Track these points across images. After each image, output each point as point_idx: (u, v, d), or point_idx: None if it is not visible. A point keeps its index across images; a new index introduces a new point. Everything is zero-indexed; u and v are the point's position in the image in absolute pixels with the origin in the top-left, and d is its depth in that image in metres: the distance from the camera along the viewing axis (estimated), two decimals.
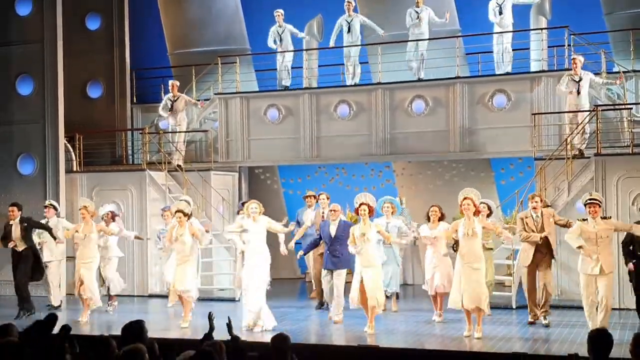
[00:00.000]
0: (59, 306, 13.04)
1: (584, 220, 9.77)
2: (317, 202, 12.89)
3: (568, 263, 11.94)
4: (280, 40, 15.89)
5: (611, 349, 5.42)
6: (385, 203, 12.16)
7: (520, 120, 14.10)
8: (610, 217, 10.44)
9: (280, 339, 6.26)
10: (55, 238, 12.73)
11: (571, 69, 13.43)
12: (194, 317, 11.20)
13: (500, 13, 14.56)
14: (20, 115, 15.23)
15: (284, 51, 15.88)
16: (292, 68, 15.99)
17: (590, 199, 9.70)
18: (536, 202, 10.64)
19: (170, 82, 15.94)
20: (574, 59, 13.25)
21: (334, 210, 11.20)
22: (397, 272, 12.20)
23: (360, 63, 15.69)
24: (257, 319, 10.30)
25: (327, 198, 12.63)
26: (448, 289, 10.66)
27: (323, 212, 12.47)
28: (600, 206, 9.67)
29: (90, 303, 11.72)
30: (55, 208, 13.33)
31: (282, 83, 15.97)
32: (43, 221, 12.98)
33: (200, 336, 10.10)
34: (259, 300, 10.32)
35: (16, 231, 12.35)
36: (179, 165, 15.32)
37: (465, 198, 9.87)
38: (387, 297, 12.31)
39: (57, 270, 13.33)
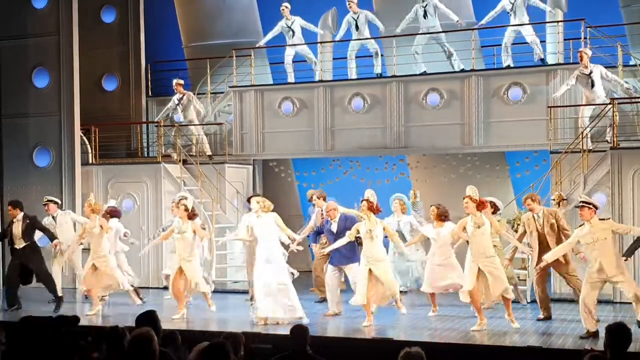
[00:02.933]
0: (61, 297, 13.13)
1: (580, 226, 9.57)
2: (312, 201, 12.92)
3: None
4: (292, 32, 15.86)
5: (630, 343, 5.39)
6: (395, 200, 12.15)
7: (536, 113, 14.02)
8: (609, 219, 10.09)
9: (299, 330, 6.30)
10: (53, 239, 12.52)
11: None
12: (200, 310, 11.35)
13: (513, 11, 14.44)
14: (36, 108, 15.31)
15: (298, 44, 15.85)
16: (304, 61, 15.98)
17: (580, 202, 9.47)
18: (528, 204, 10.63)
19: (174, 81, 15.92)
20: (580, 52, 13.12)
21: (331, 210, 11.17)
22: (411, 268, 12.20)
23: (369, 56, 15.65)
24: (285, 313, 10.30)
25: (319, 197, 12.32)
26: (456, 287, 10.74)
27: (322, 211, 12.46)
28: (590, 209, 9.32)
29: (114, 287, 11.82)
30: (55, 202, 13.32)
31: (290, 78, 15.96)
32: (45, 218, 12.99)
33: (211, 328, 10.23)
34: (288, 292, 10.34)
35: (17, 228, 12.33)
36: (209, 156, 15.52)
37: (463, 197, 9.90)
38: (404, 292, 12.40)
39: (79, 259, 13.35)
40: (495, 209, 11.37)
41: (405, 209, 12.30)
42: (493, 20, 14.85)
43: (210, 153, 15.82)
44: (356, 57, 15.59)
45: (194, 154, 15.61)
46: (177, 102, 15.75)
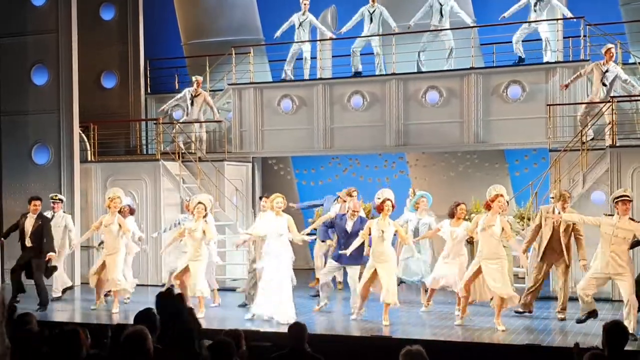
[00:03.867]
0: (60, 297, 13.08)
1: (609, 215, 9.40)
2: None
3: None
4: (301, 27, 15.81)
5: (627, 341, 5.40)
6: (423, 198, 12.02)
7: (535, 111, 14.02)
8: (639, 222, 9.49)
9: (297, 328, 6.30)
10: (48, 251, 12.32)
11: (587, 60, 13.36)
12: (207, 307, 11.34)
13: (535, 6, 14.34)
14: (35, 105, 15.30)
15: (298, 41, 15.84)
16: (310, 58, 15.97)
17: (621, 196, 9.17)
18: (567, 205, 10.39)
19: (194, 78, 15.90)
20: (609, 48, 12.92)
21: (355, 211, 11.12)
22: (428, 265, 12.14)
23: (372, 54, 15.63)
24: (275, 312, 10.30)
25: (348, 194, 12.55)
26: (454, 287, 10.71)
27: (348, 209, 12.45)
28: (630, 202, 9.18)
29: (121, 292, 11.80)
30: (62, 202, 13.28)
31: (289, 74, 15.91)
32: (48, 214, 12.84)
33: (211, 326, 10.22)
34: (282, 292, 10.31)
35: (29, 224, 12.24)
36: (193, 155, 15.35)
37: (501, 195, 9.76)
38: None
39: (61, 262, 13.18)
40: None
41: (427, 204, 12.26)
42: (491, 17, 14.85)
43: (204, 154, 15.59)
44: (360, 54, 15.57)
45: (194, 151, 15.59)
46: (189, 97, 15.67)
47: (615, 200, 9.25)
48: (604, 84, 12.90)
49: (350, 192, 12.66)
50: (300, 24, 15.80)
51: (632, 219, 9.31)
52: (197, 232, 11.16)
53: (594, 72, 13.04)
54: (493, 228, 9.67)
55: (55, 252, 12.35)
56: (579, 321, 9.54)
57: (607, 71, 12.91)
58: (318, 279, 13.04)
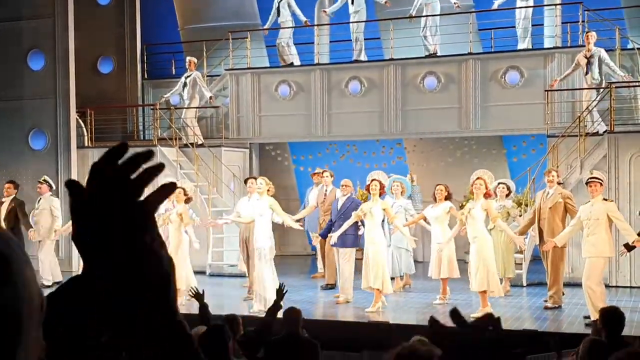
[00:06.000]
0: (51, 286, 12.89)
1: (587, 203, 9.49)
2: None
3: (579, 240, 11.86)
4: (278, 12, 15.68)
5: (623, 326, 5.39)
6: (395, 182, 11.99)
7: (533, 97, 13.97)
8: (613, 201, 9.92)
9: (292, 312, 6.30)
10: (28, 228, 12.36)
11: (585, 46, 13.30)
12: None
13: None
14: (32, 91, 15.23)
15: (296, 27, 15.77)
16: (303, 44, 15.86)
17: (590, 178, 9.40)
18: (552, 176, 10.57)
19: (187, 58, 15.74)
20: (587, 33, 13.04)
21: (345, 186, 11.15)
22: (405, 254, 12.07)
23: (372, 39, 15.55)
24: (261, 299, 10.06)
25: (331, 176, 12.49)
26: (449, 274, 10.63)
27: (326, 190, 12.37)
28: (601, 185, 9.32)
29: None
30: (49, 185, 12.98)
31: (286, 60, 15.80)
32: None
33: (212, 312, 10.21)
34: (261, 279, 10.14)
35: (3, 208, 12.18)
36: (191, 143, 15.24)
37: (478, 178, 9.83)
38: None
39: (50, 249, 12.94)
40: (509, 192, 11.46)
41: (405, 192, 12.18)
42: (489, 2, 14.77)
43: (202, 142, 15.50)
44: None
45: (191, 137, 15.50)
46: (184, 80, 15.53)
47: (587, 182, 9.44)
48: (591, 68, 12.83)
49: (318, 174, 12.58)
50: (278, 6, 15.61)
51: (606, 199, 9.50)
52: (172, 216, 10.91)
53: (580, 62, 13.00)
54: (472, 211, 9.70)
55: (32, 227, 12.28)
56: (588, 324, 8.90)
57: (591, 56, 12.87)
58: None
